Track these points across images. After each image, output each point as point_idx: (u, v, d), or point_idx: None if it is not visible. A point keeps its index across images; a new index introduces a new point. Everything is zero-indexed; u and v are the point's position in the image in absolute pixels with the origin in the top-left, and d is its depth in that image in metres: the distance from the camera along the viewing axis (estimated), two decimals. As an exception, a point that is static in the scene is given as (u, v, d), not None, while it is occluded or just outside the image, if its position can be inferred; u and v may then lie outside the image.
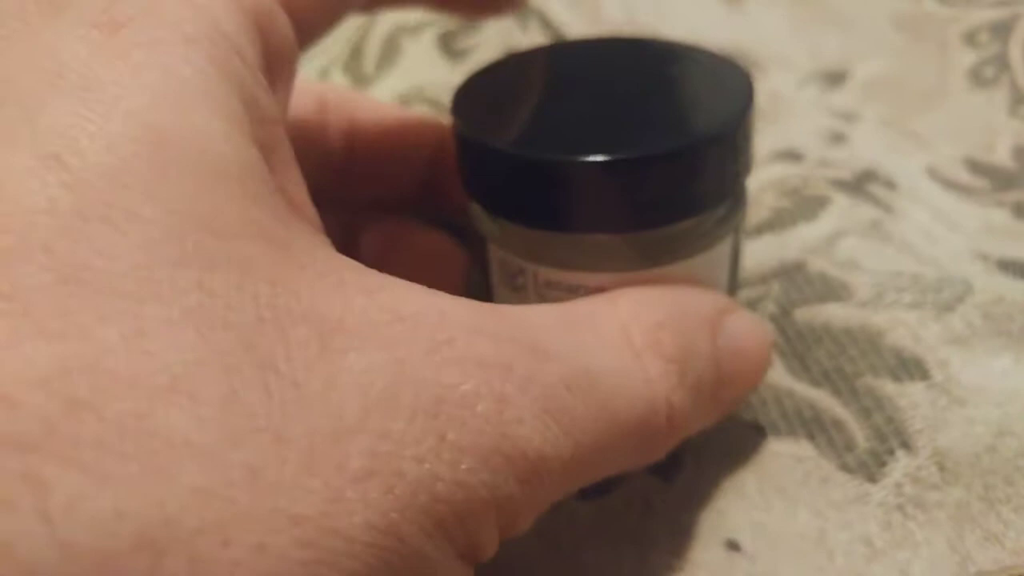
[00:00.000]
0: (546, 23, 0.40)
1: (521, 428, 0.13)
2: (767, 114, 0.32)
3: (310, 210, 0.15)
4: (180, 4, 0.13)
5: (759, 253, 0.26)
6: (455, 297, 0.14)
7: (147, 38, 0.13)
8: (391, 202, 0.24)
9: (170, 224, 0.11)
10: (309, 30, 0.17)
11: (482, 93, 0.18)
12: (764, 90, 0.34)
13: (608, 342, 0.16)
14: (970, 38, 0.35)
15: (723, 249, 0.18)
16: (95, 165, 0.11)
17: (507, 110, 0.18)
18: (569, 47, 0.20)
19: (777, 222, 0.26)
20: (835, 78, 0.35)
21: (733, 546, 0.19)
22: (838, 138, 0.31)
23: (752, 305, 0.24)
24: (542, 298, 0.18)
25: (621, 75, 0.19)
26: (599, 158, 0.16)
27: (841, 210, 0.26)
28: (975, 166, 0.30)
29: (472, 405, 0.13)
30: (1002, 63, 0.33)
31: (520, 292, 0.18)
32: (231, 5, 0.14)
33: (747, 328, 0.18)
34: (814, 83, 0.35)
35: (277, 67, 0.15)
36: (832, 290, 0.24)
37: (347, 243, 0.23)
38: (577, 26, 0.40)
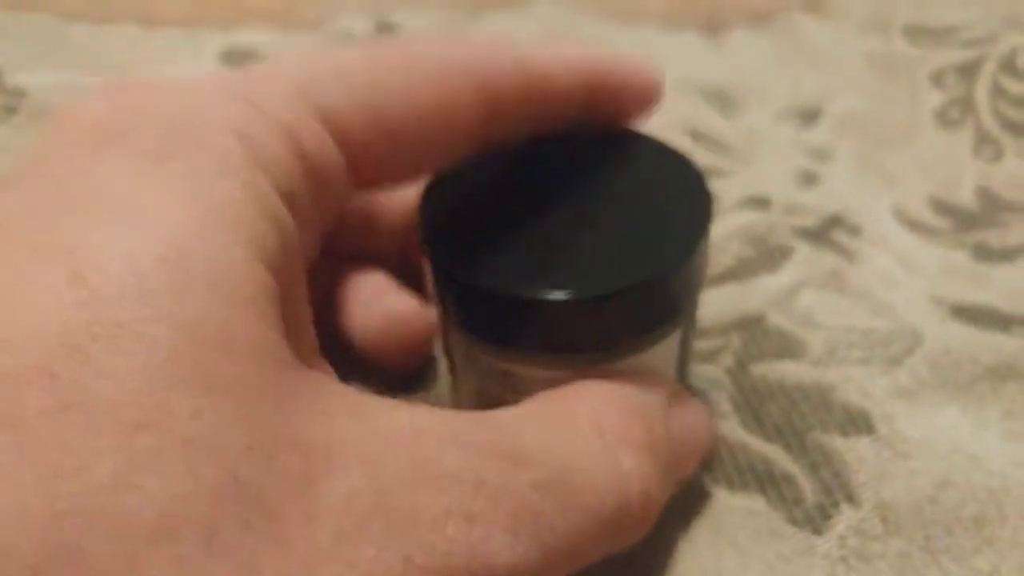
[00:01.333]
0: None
1: (490, 545, 0.14)
2: (741, 154, 0.33)
3: (310, 333, 0.16)
4: (226, 134, 0.14)
5: (721, 303, 0.27)
6: (432, 409, 0.15)
7: (189, 167, 0.14)
8: (374, 254, 0.24)
9: (175, 342, 0.12)
10: (369, 165, 0.18)
11: (447, 202, 0.19)
12: (740, 126, 0.35)
13: (582, 437, 0.16)
14: (937, 79, 0.36)
15: (675, 337, 0.19)
16: (114, 283, 0.12)
17: (472, 229, 0.18)
18: (531, 147, 0.20)
19: (740, 271, 0.27)
20: (810, 114, 0.36)
21: (684, 600, 0.21)
22: (810, 179, 0.32)
23: (711, 357, 0.26)
24: (500, 379, 0.19)
25: (581, 184, 0.19)
26: (564, 296, 0.17)
27: (803, 260, 0.27)
28: (939, 206, 0.31)
29: (442, 527, 0.13)
30: (967, 104, 0.34)
31: (477, 367, 0.20)
32: (273, 130, 0.15)
33: (695, 413, 0.20)
34: (790, 119, 0.36)
35: (320, 190, 0.16)
36: (788, 347, 0.25)
37: (328, 289, 0.23)
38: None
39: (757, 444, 0.23)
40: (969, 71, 0.35)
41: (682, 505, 0.22)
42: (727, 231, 0.29)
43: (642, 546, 0.21)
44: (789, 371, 0.25)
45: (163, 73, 0.16)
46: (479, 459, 0.14)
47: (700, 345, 0.26)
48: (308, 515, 0.12)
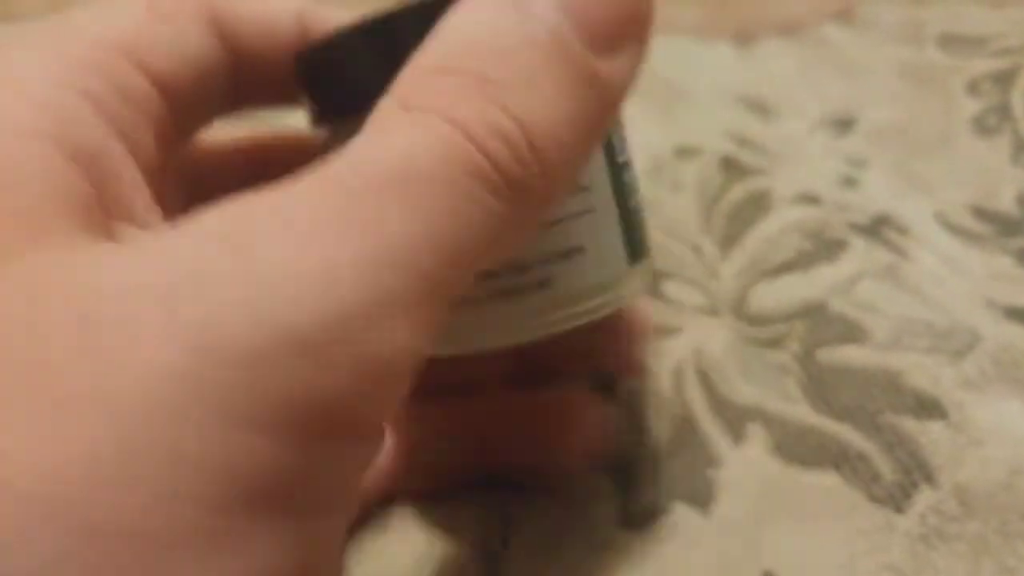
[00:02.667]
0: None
1: None
2: (783, 159, 0.34)
3: (135, 199, 0.16)
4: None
5: (782, 292, 0.27)
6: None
7: None
8: None
9: None
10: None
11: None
12: (779, 134, 0.36)
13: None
14: (973, 88, 0.37)
15: None
16: None
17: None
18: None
19: (799, 262, 0.28)
20: (844, 124, 0.37)
21: None
22: (850, 182, 0.33)
23: (777, 343, 0.26)
24: None
25: None
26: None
27: (859, 253, 0.28)
28: (980, 212, 0.32)
29: None
30: (1004, 112, 0.35)
31: None
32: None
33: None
34: (824, 128, 0.37)
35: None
36: (851, 332, 0.26)
37: None
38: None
39: (829, 425, 0.23)
40: (1005, 79, 0.36)
41: (758, 484, 0.23)
42: (782, 225, 0.30)
43: (722, 522, 0.21)
44: (855, 356, 0.25)
45: None
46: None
47: (764, 332, 0.26)
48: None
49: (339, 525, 0.13)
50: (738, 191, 0.32)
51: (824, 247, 0.28)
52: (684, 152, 0.34)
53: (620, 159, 0.19)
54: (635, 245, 0.19)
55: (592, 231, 0.18)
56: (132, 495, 0.11)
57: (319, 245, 0.12)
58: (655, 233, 0.31)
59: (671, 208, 0.31)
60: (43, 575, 0.10)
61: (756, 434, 0.24)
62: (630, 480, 0.23)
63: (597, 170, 0.18)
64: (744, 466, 0.23)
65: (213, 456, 0.11)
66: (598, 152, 0.18)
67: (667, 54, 0.41)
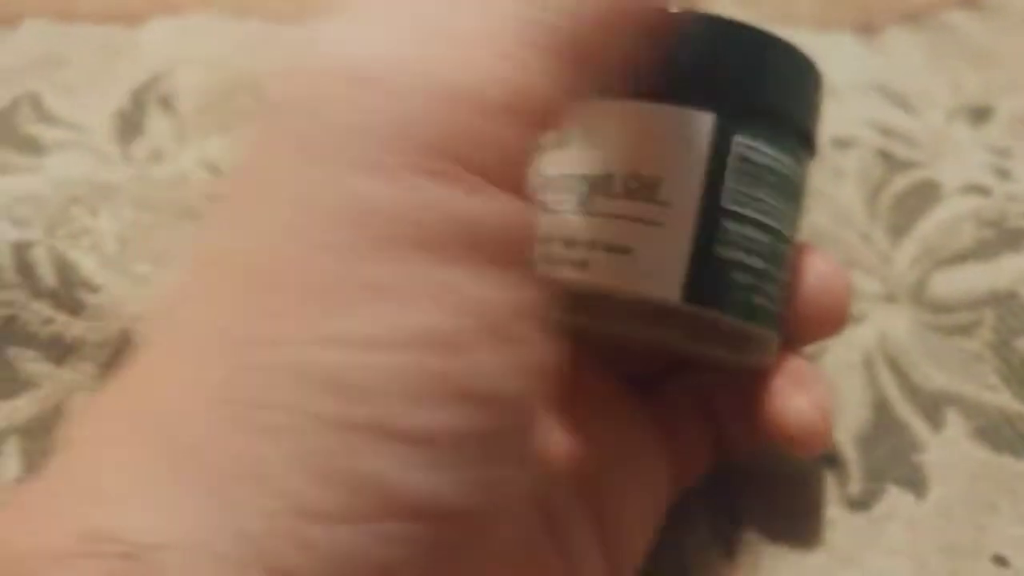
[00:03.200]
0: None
1: None
2: (932, 150, 0.34)
3: None
4: None
5: (966, 280, 0.28)
6: None
7: None
8: None
9: None
10: None
11: None
12: (923, 125, 0.36)
13: None
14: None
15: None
16: None
17: None
18: None
19: (981, 251, 0.28)
20: (981, 114, 0.37)
21: (1001, 561, 0.21)
22: (1004, 174, 0.33)
23: (966, 331, 0.26)
24: None
25: None
26: None
27: (1044, 244, 0.28)
28: None
29: None
30: None
31: None
32: None
33: None
34: (961, 118, 0.37)
35: None
36: (1051, 320, 0.26)
37: None
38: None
39: (1036, 413, 0.24)
40: None
41: (969, 470, 0.23)
42: (957, 213, 0.30)
43: (940, 506, 0.22)
44: (1057, 345, 0.25)
45: None
46: None
47: (950, 320, 0.27)
48: None
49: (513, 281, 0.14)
50: (900, 182, 0.32)
51: (1006, 236, 0.29)
52: (840, 143, 0.34)
53: (728, 206, 0.19)
54: (699, 289, 0.19)
55: (647, 241, 0.19)
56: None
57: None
58: (821, 219, 0.31)
59: (834, 197, 0.32)
60: None
61: (955, 420, 0.24)
62: (840, 462, 0.24)
63: (683, 194, 0.19)
64: (949, 451, 0.24)
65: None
66: (694, 180, 0.19)
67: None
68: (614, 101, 0.19)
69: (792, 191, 0.21)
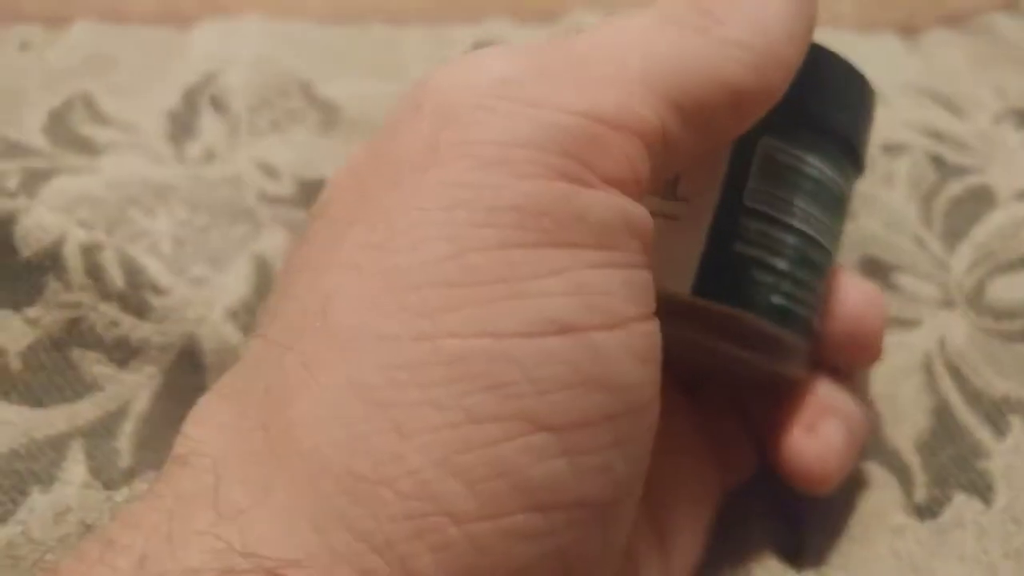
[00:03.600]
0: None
1: None
2: (983, 154, 0.34)
3: None
4: None
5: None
6: None
7: None
8: None
9: None
10: None
11: None
12: (972, 129, 0.35)
13: None
14: None
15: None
16: None
17: None
18: None
19: (1041, 257, 0.28)
20: (1026, 116, 0.37)
21: (1071, 566, 0.21)
22: (1054, 178, 0.33)
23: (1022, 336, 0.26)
24: None
25: None
26: None
27: (1104, 249, 0.28)
28: None
29: None
30: None
31: None
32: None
33: None
34: (1007, 121, 0.36)
35: None
36: (1114, 325, 0.25)
37: None
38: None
39: (1102, 419, 0.23)
40: None
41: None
42: (1014, 219, 0.29)
43: (1007, 513, 0.22)
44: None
45: None
46: None
47: (1010, 326, 0.26)
48: None
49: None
50: (955, 187, 0.31)
51: (1066, 241, 0.28)
52: (891, 149, 0.33)
53: (750, 204, 0.19)
54: (712, 283, 0.19)
55: (663, 235, 0.19)
56: None
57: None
58: (873, 224, 0.31)
59: (887, 202, 0.31)
60: None
61: (1019, 426, 0.24)
62: (903, 469, 0.24)
63: (703, 191, 0.19)
64: (1014, 458, 0.24)
65: None
66: (714, 180, 0.19)
67: (838, 47, 0.41)
68: None
69: (830, 200, 0.20)
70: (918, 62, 0.41)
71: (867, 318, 0.21)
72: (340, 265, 0.14)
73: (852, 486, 0.23)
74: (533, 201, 0.14)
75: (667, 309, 0.19)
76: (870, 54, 0.42)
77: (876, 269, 0.29)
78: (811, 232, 0.20)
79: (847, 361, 0.22)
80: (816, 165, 0.20)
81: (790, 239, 0.20)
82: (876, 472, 0.24)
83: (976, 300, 0.28)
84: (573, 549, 0.13)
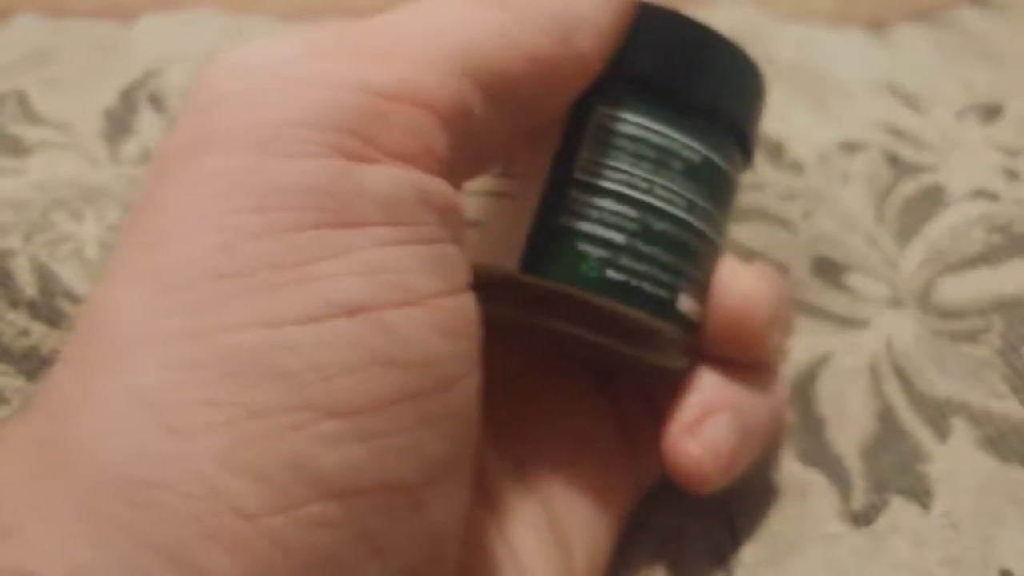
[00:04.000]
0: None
1: None
2: (940, 151, 0.33)
3: None
4: None
5: (974, 286, 0.27)
6: None
7: None
8: None
9: None
10: None
11: None
12: (933, 126, 0.35)
13: None
14: None
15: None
16: None
17: None
18: None
19: (991, 256, 0.27)
20: (991, 112, 0.36)
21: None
22: (1012, 175, 0.32)
23: (974, 337, 0.26)
24: None
25: None
26: None
27: (1055, 249, 0.27)
28: None
29: None
30: None
31: None
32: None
33: None
34: (971, 117, 0.36)
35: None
36: (1061, 328, 0.25)
37: None
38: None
39: (1045, 422, 0.23)
40: None
41: (976, 481, 0.22)
42: (966, 219, 0.29)
43: (945, 519, 0.21)
44: (1068, 353, 0.24)
45: None
46: None
47: (957, 326, 0.26)
48: None
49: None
50: (909, 186, 0.31)
51: (1015, 242, 0.28)
52: (848, 146, 0.33)
53: (580, 176, 0.19)
54: (538, 258, 0.19)
55: (497, 213, 0.19)
56: None
57: None
58: (828, 223, 0.30)
59: (843, 201, 0.31)
60: None
61: (961, 429, 0.24)
62: (843, 475, 0.23)
63: (534, 167, 0.19)
64: (955, 461, 0.23)
65: None
66: (546, 155, 0.19)
67: (808, 42, 0.40)
68: None
69: (692, 174, 0.19)
70: (886, 57, 0.41)
71: (744, 311, 0.20)
72: (116, 269, 0.14)
73: (791, 493, 0.23)
74: (308, 181, 0.13)
75: (507, 291, 0.18)
76: (839, 49, 0.41)
77: (828, 269, 0.29)
78: (661, 205, 0.19)
79: (733, 357, 0.21)
80: (668, 135, 0.19)
81: (628, 211, 0.19)
82: (816, 479, 0.23)
83: (924, 300, 0.27)
84: (383, 533, 0.13)
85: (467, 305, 0.15)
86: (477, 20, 0.16)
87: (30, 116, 0.28)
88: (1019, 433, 0.23)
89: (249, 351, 0.12)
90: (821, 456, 0.24)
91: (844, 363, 0.26)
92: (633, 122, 0.19)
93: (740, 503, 0.23)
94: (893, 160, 0.32)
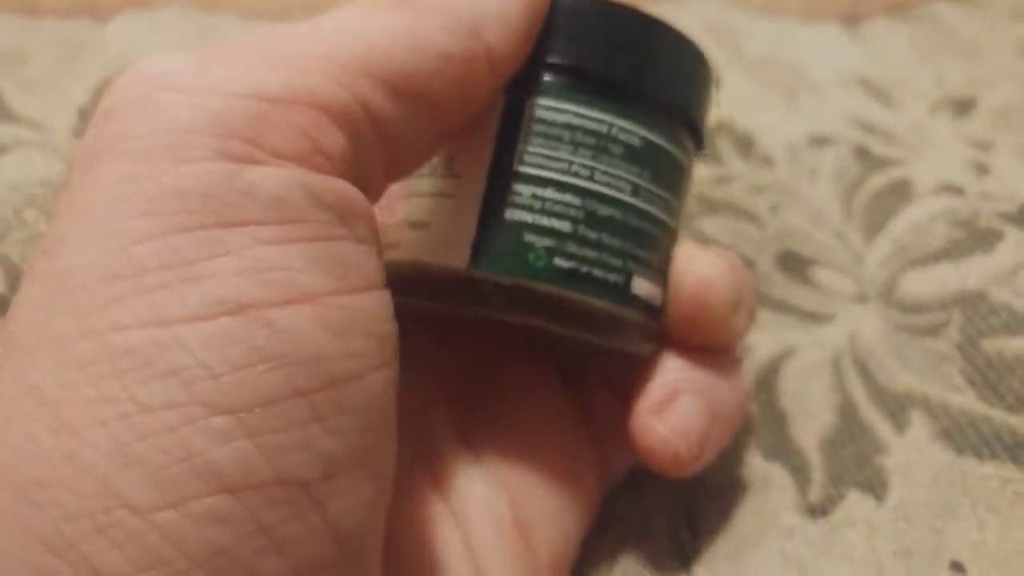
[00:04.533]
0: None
1: None
2: (911, 145, 0.34)
3: None
4: None
5: (936, 280, 0.27)
6: None
7: None
8: None
9: None
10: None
11: None
12: (903, 120, 0.35)
13: None
14: (1101, 68, 0.36)
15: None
16: None
17: None
18: None
19: (953, 251, 0.28)
20: (963, 106, 0.37)
21: (958, 567, 0.21)
22: (982, 169, 0.33)
23: (933, 331, 0.26)
24: None
25: None
26: None
27: (1016, 242, 0.28)
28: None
29: None
30: None
31: None
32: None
33: None
34: (943, 111, 0.36)
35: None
36: (1019, 322, 0.25)
37: None
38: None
39: (1000, 416, 0.24)
40: None
41: (930, 473, 0.23)
42: (930, 214, 0.29)
43: (900, 510, 0.22)
44: (1024, 346, 0.25)
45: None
46: None
47: (918, 320, 0.26)
48: None
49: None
50: (877, 181, 0.31)
51: (978, 237, 0.28)
52: (818, 141, 0.33)
53: (521, 169, 0.19)
54: (487, 254, 0.19)
55: (442, 213, 0.19)
56: None
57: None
58: (795, 218, 0.31)
59: (810, 196, 0.31)
60: None
61: (919, 422, 0.24)
62: (802, 468, 0.24)
63: (475, 164, 0.19)
64: (911, 454, 0.24)
65: None
66: (485, 151, 0.19)
67: (780, 37, 0.41)
68: None
69: (636, 159, 0.19)
70: (859, 51, 0.41)
71: (701, 293, 0.20)
72: (27, 273, 0.14)
73: (752, 487, 0.24)
74: (195, 184, 0.14)
75: (462, 290, 0.19)
76: (811, 44, 0.42)
77: (795, 263, 0.29)
78: (604, 190, 0.19)
79: (696, 342, 0.21)
80: (604, 120, 0.19)
81: (571, 198, 0.19)
82: (776, 472, 0.24)
83: (888, 294, 0.28)
84: (281, 528, 0.13)
85: (368, 304, 0.15)
86: (382, 23, 0.16)
87: (4, 115, 0.28)
88: (975, 426, 0.24)
89: (140, 349, 0.13)
90: (783, 450, 0.24)
91: (808, 357, 0.27)
92: (567, 111, 0.19)
93: (702, 497, 0.23)
94: (862, 154, 0.33)
